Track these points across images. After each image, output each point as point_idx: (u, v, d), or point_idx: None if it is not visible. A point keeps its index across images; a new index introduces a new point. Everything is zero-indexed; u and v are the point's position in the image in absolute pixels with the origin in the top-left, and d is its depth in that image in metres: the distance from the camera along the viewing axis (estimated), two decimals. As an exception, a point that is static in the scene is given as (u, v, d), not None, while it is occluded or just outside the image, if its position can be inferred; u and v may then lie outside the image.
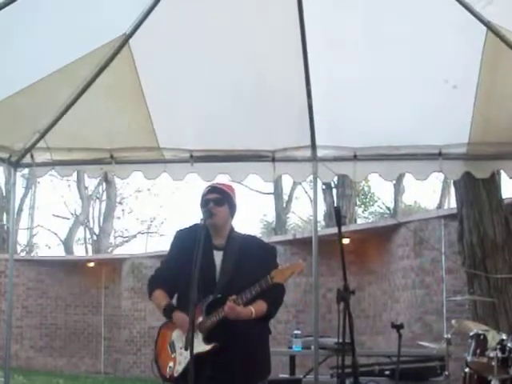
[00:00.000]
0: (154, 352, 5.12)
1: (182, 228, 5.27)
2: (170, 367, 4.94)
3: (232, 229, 5.14)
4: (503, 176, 9.13)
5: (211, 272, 4.89)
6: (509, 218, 9.09)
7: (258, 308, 4.85)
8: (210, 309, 4.81)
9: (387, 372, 8.75)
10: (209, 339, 4.79)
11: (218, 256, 4.99)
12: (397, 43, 5.71)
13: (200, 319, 4.74)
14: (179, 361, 4.90)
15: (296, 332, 10.00)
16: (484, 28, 5.37)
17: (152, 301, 5.22)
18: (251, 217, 38.77)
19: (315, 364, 7.04)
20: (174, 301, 5.13)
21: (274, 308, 5.04)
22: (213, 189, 5.08)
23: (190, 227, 5.17)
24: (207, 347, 4.77)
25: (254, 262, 4.93)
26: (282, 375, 11.19)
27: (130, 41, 5.77)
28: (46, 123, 6.40)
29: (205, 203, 4.99)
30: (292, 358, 10.27)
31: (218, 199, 5.00)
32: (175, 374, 4.90)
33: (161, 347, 5.06)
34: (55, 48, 5.42)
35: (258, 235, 32.51)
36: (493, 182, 8.96)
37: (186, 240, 5.03)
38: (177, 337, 4.98)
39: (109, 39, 5.68)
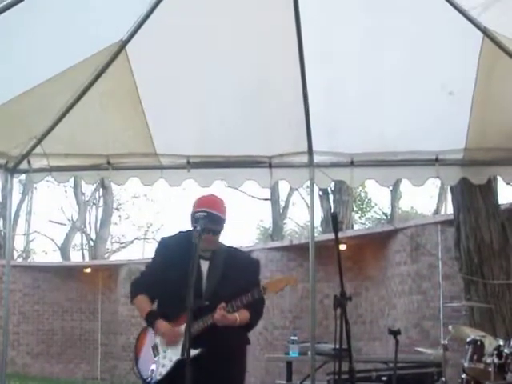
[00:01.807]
0: (134, 354, 5.15)
1: (166, 236, 5.32)
2: (152, 370, 4.97)
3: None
4: (500, 182, 9.14)
5: (198, 280, 4.92)
6: (505, 223, 9.11)
7: (242, 316, 5.00)
8: (197, 315, 4.84)
9: (384, 378, 8.74)
10: (195, 344, 4.82)
11: (204, 265, 5.06)
12: (394, 49, 5.72)
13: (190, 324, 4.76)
14: (163, 364, 4.96)
15: (293, 338, 10.00)
16: (480, 34, 5.38)
17: (134, 304, 5.28)
18: (248, 223, 38.85)
19: (312, 370, 7.03)
20: (155, 306, 5.17)
21: (256, 319, 5.18)
22: (209, 216, 4.97)
23: (175, 235, 5.24)
24: (194, 352, 4.80)
25: (238, 272, 5.05)
26: (278, 381, 11.20)
27: (127, 47, 5.77)
28: (42, 129, 6.39)
29: (199, 231, 4.90)
30: (289, 364, 10.27)
31: (214, 229, 5.02)
32: (158, 377, 4.95)
33: (142, 350, 5.10)
34: (52, 54, 5.41)
35: (255, 241, 32.63)
36: (489, 188, 8.97)
37: (170, 248, 5.12)
38: (160, 340, 5.02)
39: (106, 45, 5.68)
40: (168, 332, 4.93)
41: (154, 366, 4.99)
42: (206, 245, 4.93)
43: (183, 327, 4.77)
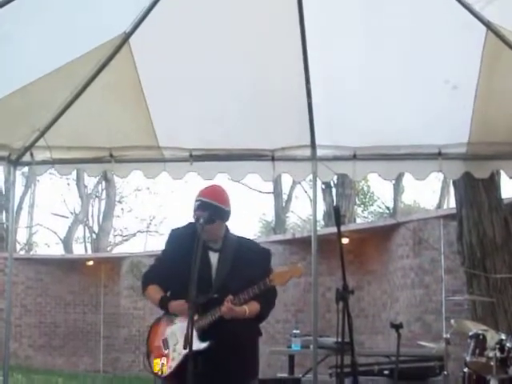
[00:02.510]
0: (146, 348, 5.16)
1: (176, 227, 5.31)
2: (162, 363, 4.98)
3: (227, 230, 5.17)
4: (503, 176, 9.13)
5: (207, 272, 4.93)
6: (508, 218, 9.10)
7: (252, 308, 4.95)
8: (206, 308, 4.84)
9: (386, 372, 8.74)
10: (203, 337, 4.82)
11: (213, 257, 5.05)
12: (397, 43, 5.71)
13: (195, 317, 4.75)
14: (172, 357, 4.96)
15: (295, 331, 10.01)
16: (484, 28, 5.37)
17: (146, 295, 5.29)
18: (250, 216, 38.81)
19: (314, 363, 7.03)
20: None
21: (267, 310, 5.11)
22: (202, 204, 5.04)
23: (185, 226, 5.23)
24: (203, 345, 4.82)
25: (248, 264, 5.01)
26: (280, 374, 11.19)
27: (130, 39, 5.76)
28: (45, 121, 6.39)
29: (195, 219, 4.97)
30: (291, 358, 10.27)
31: (208, 218, 4.98)
32: (168, 370, 4.96)
33: (153, 343, 5.12)
34: (55, 46, 5.41)
35: (257, 234, 32.66)
36: (492, 182, 8.96)
37: (181, 239, 5.10)
38: (171, 334, 5.04)
39: (109, 38, 5.67)
40: (184, 310, 4.85)
41: (164, 360, 5.00)
42: (206, 237, 4.93)
43: (196, 317, 4.76)
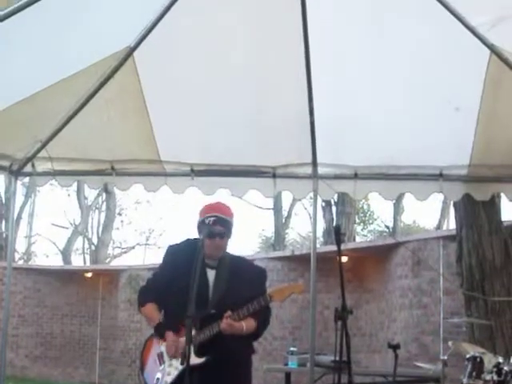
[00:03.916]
0: (140, 362, 5.14)
1: (174, 244, 5.32)
2: (157, 378, 4.96)
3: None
4: (503, 199, 9.13)
5: (204, 289, 4.93)
6: (508, 240, 9.09)
7: (249, 325, 4.96)
8: (203, 324, 4.83)
9: (382, 391, 8.73)
10: (200, 352, 4.81)
11: (210, 274, 5.06)
12: (400, 64, 5.72)
13: (193, 333, 4.74)
14: (168, 372, 4.95)
15: (292, 349, 9.98)
16: (487, 51, 5.38)
17: (142, 312, 5.27)
18: (250, 232, 38.76)
19: (311, 381, 7.04)
20: (162, 313, 5.18)
21: (262, 328, 5.16)
22: (219, 220, 5.06)
23: (182, 242, 5.23)
24: (199, 360, 4.80)
25: (244, 281, 5.04)
26: (276, 392, 11.17)
27: (135, 53, 5.78)
28: (48, 133, 6.40)
29: (209, 235, 4.96)
30: (287, 375, 10.25)
31: (224, 233, 5.05)
32: None
33: (148, 358, 5.09)
34: (59, 58, 5.42)
35: (257, 250, 32.63)
36: (493, 205, 8.96)
37: (178, 256, 5.11)
38: (165, 348, 5.00)
39: (113, 51, 5.69)
40: (175, 345, 4.91)
41: (159, 375, 4.98)
42: (213, 250, 4.95)
43: (193, 333, 4.75)
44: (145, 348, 5.18)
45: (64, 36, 5.18)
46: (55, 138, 6.44)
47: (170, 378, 4.94)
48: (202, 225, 5.04)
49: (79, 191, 30.78)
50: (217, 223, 5.02)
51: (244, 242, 30.51)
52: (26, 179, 7.40)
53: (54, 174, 6.78)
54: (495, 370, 6.52)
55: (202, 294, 4.80)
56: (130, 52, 5.76)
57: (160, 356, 5.04)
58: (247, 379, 5.18)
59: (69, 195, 32.39)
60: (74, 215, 33.13)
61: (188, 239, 5.20)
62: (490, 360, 6.68)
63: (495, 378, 6.48)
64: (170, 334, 4.98)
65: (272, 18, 5.55)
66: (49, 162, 6.68)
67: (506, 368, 6.48)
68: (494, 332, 8.65)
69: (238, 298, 4.91)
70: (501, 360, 6.65)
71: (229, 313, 4.84)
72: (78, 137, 6.48)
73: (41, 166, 6.74)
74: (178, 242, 5.30)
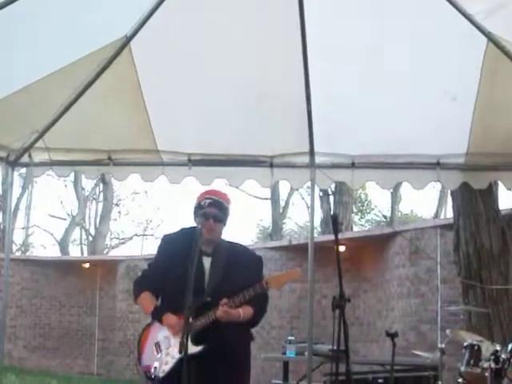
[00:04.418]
0: (138, 351, 5.13)
1: (169, 233, 5.31)
2: (155, 367, 4.95)
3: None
4: (500, 187, 9.14)
5: (200, 276, 4.91)
6: (505, 229, 9.10)
7: (246, 312, 4.95)
8: (199, 312, 4.83)
9: (380, 380, 8.72)
10: (197, 341, 4.80)
11: (206, 261, 5.04)
12: (397, 53, 5.72)
13: (190, 321, 4.73)
14: (166, 361, 4.93)
15: (290, 338, 10.00)
16: (484, 39, 5.38)
17: (138, 302, 5.27)
18: (247, 222, 38.82)
19: (309, 370, 7.04)
20: (159, 303, 5.17)
21: (260, 315, 5.13)
22: (214, 202, 5.05)
23: (177, 232, 5.23)
24: (197, 348, 4.80)
25: (240, 268, 5.02)
26: (275, 381, 11.18)
27: (131, 43, 5.76)
28: (44, 123, 6.39)
29: (204, 215, 4.97)
30: (285, 364, 10.27)
31: (219, 216, 5.02)
32: (161, 374, 4.93)
33: (145, 347, 5.08)
34: (56, 48, 5.41)
35: (254, 240, 32.64)
36: (490, 193, 8.96)
37: (173, 245, 5.10)
38: (163, 337, 5.01)
39: (110, 41, 5.68)
40: (175, 326, 4.89)
41: (156, 364, 4.97)
42: (207, 233, 4.93)
43: (190, 321, 4.75)
44: (142, 337, 5.16)
45: (60, 26, 5.18)
46: (52, 128, 6.43)
47: (167, 367, 4.93)
48: (197, 208, 5.04)
49: (76, 182, 30.78)
50: (212, 205, 5.01)
51: (241, 232, 30.54)
52: (23, 170, 7.38)
53: (51, 164, 6.77)
54: (493, 357, 6.54)
55: (197, 281, 4.77)
56: (126, 41, 5.75)
57: (157, 345, 5.03)
58: (246, 367, 5.16)
59: (66, 186, 32.46)
60: (72, 206, 33.18)
61: (183, 228, 5.20)
62: (487, 348, 6.70)
63: (493, 365, 6.49)
64: (168, 315, 4.97)
65: (269, 7, 5.54)
66: (46, 152, 6.66)
67: (503, 356, 6.50)
68: (491, 320, 8.68)
69: (234, 285, 4.89)
70: (498, 348, 6.67)
71: (225, 300, 4.82)
72: (75, 127, 6.47)
73: (38, 157, 6.73)
74: (173, 231, 5.30)
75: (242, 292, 4.85)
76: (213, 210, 5.00)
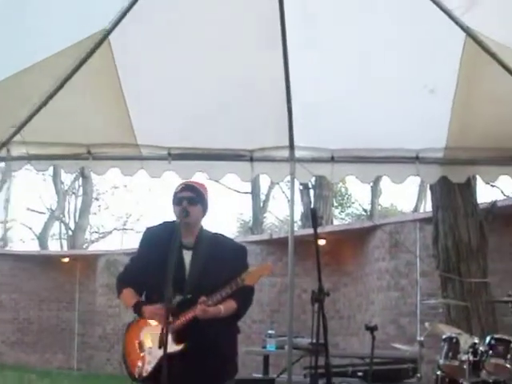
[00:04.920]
0: (122, 351, 5.11)
1: (150, 226, 5.28)
2: (138, 366, 4.92)
3: (202, 227, 5.15)
4: (479, 181, 9.20)
5: (180, 271, 4.89)
6: (483, 222, 9.17)
7: (228, 306, 4.90)
8: (180, 309, 4.81)
9: (360, 373, 8.79)
10: (178, 339, 4.79)
11: (187, 255, 5.01)
12: (375, 47, 5.73)
13: (170, 319, 4.71)
14: (148, 360, 4.89)
15: (270, 332, 10.06)
16: (463, 34, 5.39)
17: (121, 299, 5.23)
18: (228, 215, 38.81)
19: (289, 364, 7.05)
20: (143, 298, 5.14)
21: (244, 307, 5.07)
22: (186, 187, 5.09)
23: (159, 225, 5.21)
24: (178, 347, 4.78)
25: (223, 261, 4.96)
26: (255, 375, 11.22)
27: (110, 36, 5.73)
28: (22, 117, 6.34)
29: (178, 201, 5.00)
30: (266, 358, 10.32)
31: (192, 198, 5.01)
32: (144, 374, 4.90)
33: (129, 346, 5.05)
34: (34, 41, 5.36)
35: (235, 234, 32.62)
36: (468, 187, 9.03)
37: (155, 238, 5.08)
38: (145, 336, 4.98)
39: (88, 34, 5.64)
40: (155, 315, 4.85)
41: (140, 363, 4.95)
42: (187, 219, 4.91)
43: (170, 319, 4.72)
44: (126, 336, 5.14)
45: (38, 18, 5.15)
46: (30, 122, 6.38)
47: (150, 367, 4.89)
48: (173, 197, 5.05)
49: (55, 176, 30.64)
50: (184, 189, 5.04)
51: (222, 226, 30.51)
52: (2, 164, 7.35)
53: (30, 158, 6.73)
54: (471, 350, 6.59)
55: (178, 276, 4.76)
56: (105, 35, 5.71)
57: (140, 344, 5.00)
58: (231, 361, 5.13)
59: (45, 180, 32.30)
60: (51, 200, 33.02)
61: (165, 222, 5.17)
62: (465, 340, 6.75)
63: (471, 358, 6.55)
64: (148, 307, 4.95)
65: (249, 3, 5.53)
66: (24, 146, 6.63)
67: (481, 348, 6.55)
68: (469, 313, 8.74)
69: (215, 279, 4.85)
70: (476, 340, 6.72)
71: (203, 298, 4.78)
72: (54, 121, 6.42)
73: (16, 151, 6.68)
74: (155, 224, 5.28)
75: (219, 291, 4.83)
76: (185, 193, 5.02)
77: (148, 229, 5.29)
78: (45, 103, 6.20)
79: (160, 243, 4.91)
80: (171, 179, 6.85)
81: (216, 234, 5.24)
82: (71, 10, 5.16)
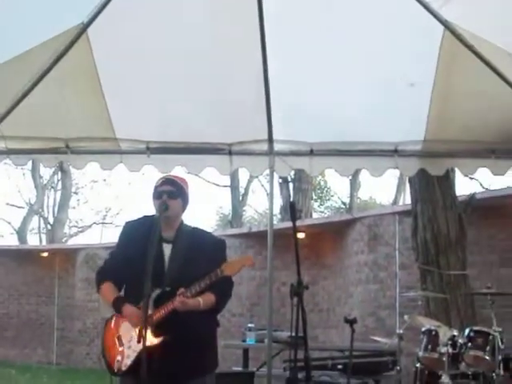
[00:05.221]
0: (102, 345, 5.09)
1: (130, 220, 5.27)
2: (117, 361, 4.91)
3: (182, 221, 5.15)
4: (457, 174, 9.25)
5: (160, 265, 4.89)
6: (462, 215, 9.21)
7: (207, 299, 4.88)
8: (158, 302, 4.81)
9: (340, 366, 8.81)
10: (157, 332, 4.78)
11: (167, 249, 5.01)
12: (355, 40, 5.73)
13: (149, 312, 4.70)
14: (127, 354, 4.88)
15: (250, 325, 10.06)
16: (441, 27, 5.41)
17: (100, 294, 5.19)
18: (207, 209, 38.85)
19: (268, 357, 7.05)
20: (122, 293, 5.13)
21: (223, 301, 5.07)
22: (166, 180, 5.09)
23: (139, 219, 5.19)
24: (156, 340, 4.77)
25: (202, 255, 4.96)
26: (235, 368, 11.22)
27: (88, 30, 5.70)
28: (0, 112, 6.30)
29: (158, 195, 5.00)
30: (245, 351, 10.32)
31: (172, 192, 5.01)
32: (123, 368, 4.88)
33: (108, 341, 5.04)
34: (11, 35, 5.34)
35: (214, 227, 32.66)
36: (447, 180, 9.07)
37: (135, 232, 5.07)
38: (124, 330, 4.96)
39: (66, 28, 5.61)
40: (135, 318, 4.83)
41: (119, 357, 4.94)
42: (167, 213, 4.90)
43: (149, 312, 4.71)
44: (105, 330, 5.13)
45: (15, 12, 5.12)
46: (8, 116, 6.34)
47: (129, 361, 4.88)
48: (153, 192, 5.05)
49: (34, 170, 30.52)
50: (164, 183, 5.05)
51: (201, 220, 30.52)
52: (-20, 159, 7.29)
53: (8, 152, 6.69)
54: (450, 342, 6.64)
55: (157, 269, 4.76)
56: (83, 28, 5.68)
57: (119, 338, 4.99)
58: (211, 355, 5.12)
59: (24, 174, 32.16)
60: (30, 194, 32.90)
61: (145, 216, 5.17)
62: (445, 333, 6.79)
63: (450, 350, 6.59)
64: (127, 306, 4.94)
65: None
66: (2, 140, 6.58)
67: (460, 340, 6.59)
68: (449, 305, 8.79)
69: (195, 272, 4.84)
70: (455, 333, 6.77)
71: (181, 290, 4.77)
72: (32, 115, 6.39)
73: (-6, 145, 6.65)
74: (135, 218, 5.27)
75: (198, 282, 4.82)
76: (165, 187, 5.02)
77: (128, 223, 5.28)
78: (23, 97, 6.16)
79: (140, 237, 4.90)
80: (150, 173, 6.85)
81: (195, 228, 5.24)
82: (49, 4, 5.14)
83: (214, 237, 5.42)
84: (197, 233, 5.21)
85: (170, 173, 6.32)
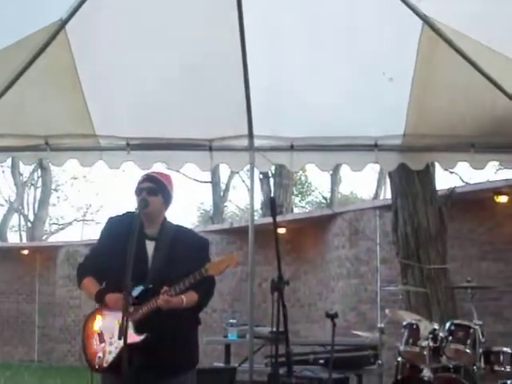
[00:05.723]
0: (82, 342, 5.06)
1: (113, 216, 5.25)
2: (99, 357, 4.89)
3: (165, 219, 5.13)
4: (437, 168, 9.28)
5: (143, 262, 4.87)
6: (442, 209, 9.24)
7: (189, 298, 4.88)
8: (141, 299, 4.80)
9: (321, 361, 8.82)
10: (139, 329, 4.77)
11: (150, 246, 4.99)
12: (334, 34, 5.74)
13: (131, 309, 4.68)
14: (109, 351, 4.86)
15: (231, 321, 10.05)
16: (420, 21, 5.43)
17: (82, 288, 5.17)
18: (188, 205, 38.76)
19: (250, 353, 7.06)
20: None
21: (205, 299, 5.06)
22: (147, 177, 5.08)
23: (122, 215, 5.16)
24: (138, 338, 4.76)
25: (186, 253, 4.95)
26: (216, 364, 11.23)
27: (67, 26, 5.67)
28: (-21, 109, 6.28)
29: (139, 191, 4.98)
30: (227, 347, 10.32)
31: (152, 188, 4.99)
32: (105, 364, 4.86)
33: (89, 337, 5.01)
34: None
35: (195, 224, 32.64)
36: (427, 174, 9.09)
37: (118, 228, 5.04)
38: (105, 327, 4.94)
39: (44, 24, 5.58)
40: (118, 303, 4.73)
41: (100, 354, 4.92)
42: (147, 210, 4.89)
43: (131, 309, 4.69)
44: (85, 327, 5.09)
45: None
46: (-14, 113, 6.32)
47: (111, 357, 4.87)
48: (135, 189, 5.04)
49: (14, 167, 30.40)
50: (145, 180, 5.03)
51: (183, 216, 30.49)
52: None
53: (-13, 150, 6.66)
54: (431, 336, 6.66)
55: (140, 266, 4.74)
56: (62, 25, 5.65)
57: (100, 335, 4.97)
58: (192, 352, 5.11)
59: (3, 172, 32.02)
60: (9, 192, 32.74)
61: (128, 211, 5.14)
62: (425, 327, 6.81)
63: (431, 344, 6.61)
64: (111, 295, 4.90)
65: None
66: (-19, 138, 6.56)
67: (441, 334, 6.61)
68: (429, 299, 8.82)
69: (178, 270, 4.84)
70: (436, 326, 6.79)
71: (165, 288, 4.77)
72: (11, 112, 6.35)
73: (-27, 143, 6.61)
74: (118, 214, 5.25)
75: (182, 280, 4.81)
76: (145, 183, 5.01)
77: (110, 218, 5.26)
78: (1, 94, 6.13)
79: (121, 233, 4.87)
80: (131, 170, 6.84)
81: (179, 225, 5.24)
82: (27, 0, 5.11)
83: (198, 235, 5.41)
84: (180, 231, 5.19)
85: (150, 169, 6.33)
